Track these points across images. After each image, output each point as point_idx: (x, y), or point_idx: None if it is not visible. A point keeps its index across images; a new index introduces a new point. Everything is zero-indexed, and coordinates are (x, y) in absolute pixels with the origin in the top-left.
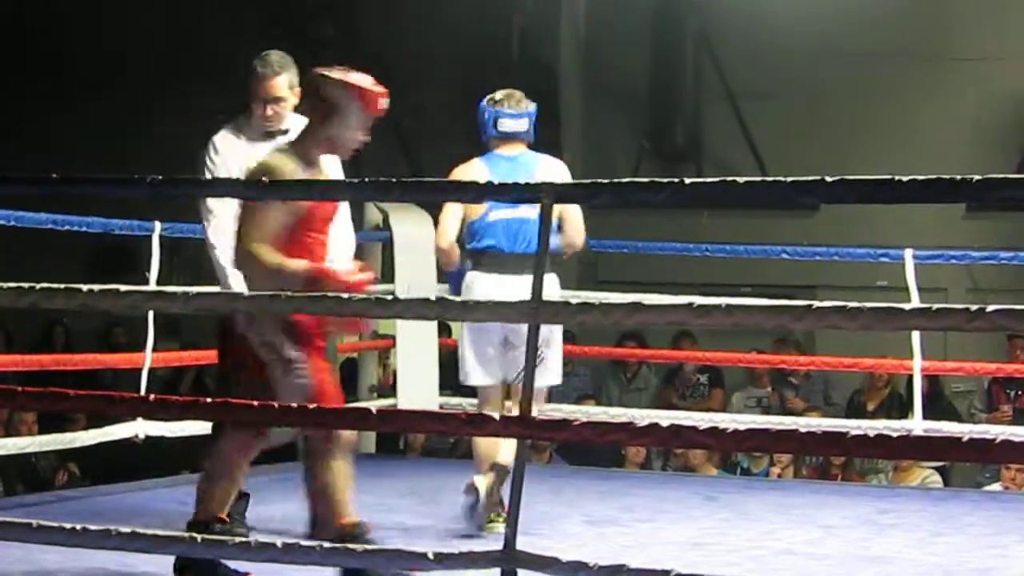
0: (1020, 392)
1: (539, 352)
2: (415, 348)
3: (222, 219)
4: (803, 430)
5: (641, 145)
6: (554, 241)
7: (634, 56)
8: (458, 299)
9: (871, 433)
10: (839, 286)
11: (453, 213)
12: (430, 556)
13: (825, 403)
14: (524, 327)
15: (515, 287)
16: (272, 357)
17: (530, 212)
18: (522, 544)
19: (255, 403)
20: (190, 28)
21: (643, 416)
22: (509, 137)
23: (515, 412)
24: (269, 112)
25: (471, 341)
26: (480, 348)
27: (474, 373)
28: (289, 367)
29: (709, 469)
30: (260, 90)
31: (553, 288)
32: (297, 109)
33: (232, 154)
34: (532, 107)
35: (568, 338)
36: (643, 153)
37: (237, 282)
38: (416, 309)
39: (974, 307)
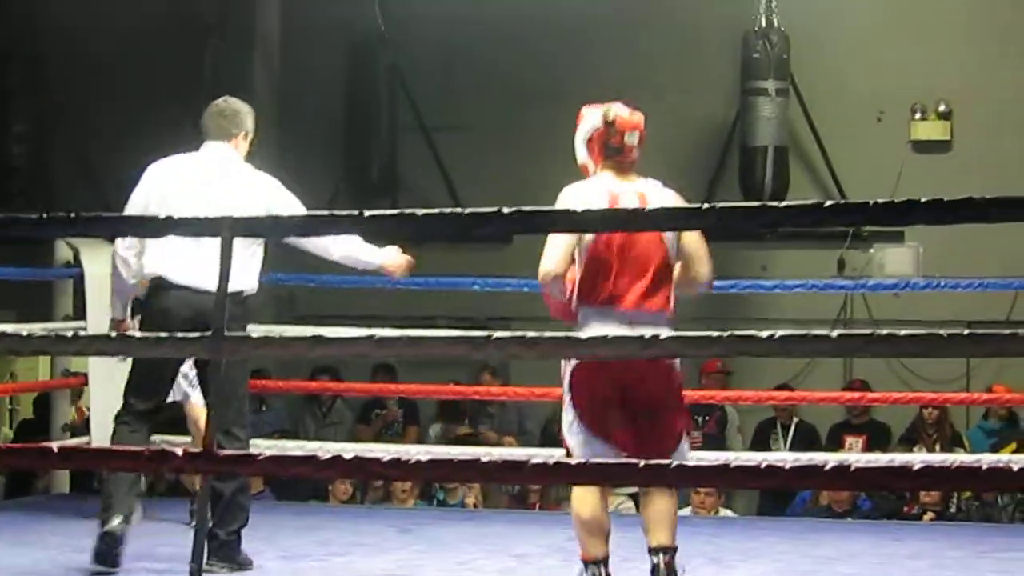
0: (707, 418)
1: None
2: (108, 385)
3: None
4: (485, 459)
5: (336, 180)
6: None
7: (328, 90)
8: (139, 335)
9: (550, 461)
10: (532, 317)
11: None
12: None
13: (519, 432)
14: None
15: None
16: None
17: None
18: None
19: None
20: None
21: (336, 450)
22: None
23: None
24: None
25: None
26: None
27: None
28: None
29: (408, 501)
30: None
31: None
32: None
33: None
34: None
35: (263, 373)
36: (338, 188)
37: None
38: (97, 345)
39: (648, 334)
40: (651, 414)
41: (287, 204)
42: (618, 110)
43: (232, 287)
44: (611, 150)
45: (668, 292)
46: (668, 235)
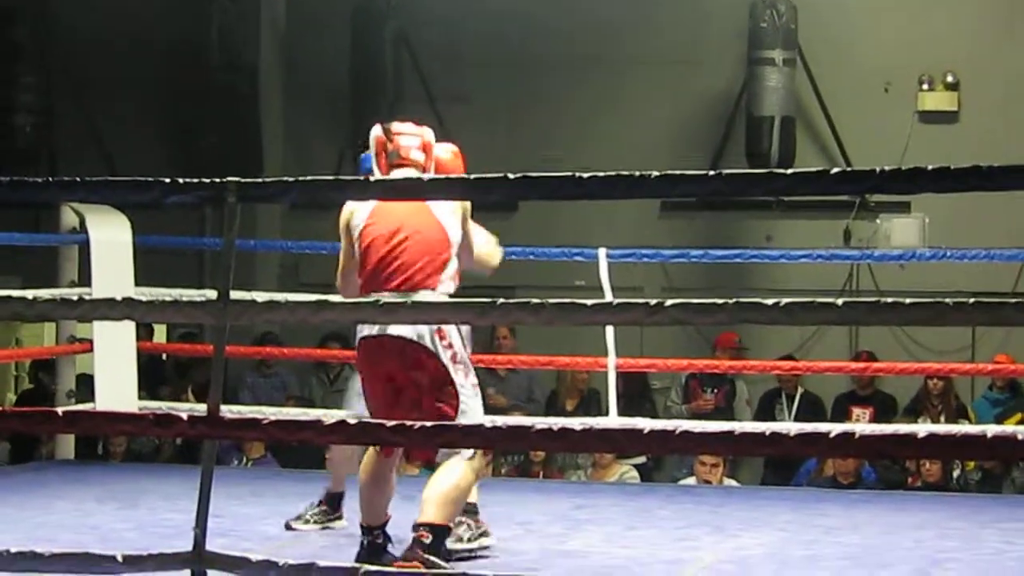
0: (716, 390)
1: None
2: (112, 351)
3: None
4: (490, 426)
5: (341, 147)
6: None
7: (334, 58)
8: (145, 299)
9: (555, 427)
10: (537, 286)
11: None
12: (118, 558)
13: (528, 400)
14: None
15: None
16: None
17: None
18: (218, 546)
19: None
20: None
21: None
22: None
23: None
24: None
25: None
26: None
27: None
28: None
29: (412, 469)
30: None
31: None
32: None
33: None
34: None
35: (273, 339)
36: (343, 155)
37: None
38: (102, 310)
39: (653, 302)
40: (416, 400)
41: None
42: (397, 123)
43: None
44: (390, 156)
45: (439, 272)
46: (447, 221)
